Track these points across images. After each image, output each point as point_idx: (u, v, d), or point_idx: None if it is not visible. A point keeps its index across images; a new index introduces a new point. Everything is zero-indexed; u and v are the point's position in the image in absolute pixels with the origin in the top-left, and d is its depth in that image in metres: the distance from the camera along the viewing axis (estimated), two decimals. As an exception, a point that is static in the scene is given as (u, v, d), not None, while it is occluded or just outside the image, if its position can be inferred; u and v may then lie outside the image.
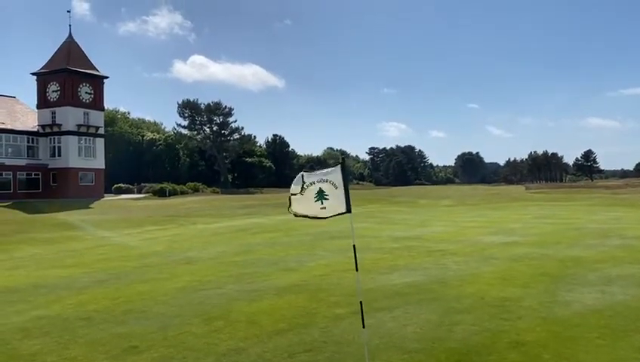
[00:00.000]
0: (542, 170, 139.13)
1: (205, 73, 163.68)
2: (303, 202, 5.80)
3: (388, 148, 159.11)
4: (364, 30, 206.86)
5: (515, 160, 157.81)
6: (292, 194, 5.83)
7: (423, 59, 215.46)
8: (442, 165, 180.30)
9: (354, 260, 6.10)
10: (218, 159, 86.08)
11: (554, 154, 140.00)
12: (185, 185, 65.59)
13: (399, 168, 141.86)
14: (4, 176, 52.41)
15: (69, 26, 62.03)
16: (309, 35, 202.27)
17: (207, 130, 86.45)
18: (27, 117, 56.97)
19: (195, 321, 7.84)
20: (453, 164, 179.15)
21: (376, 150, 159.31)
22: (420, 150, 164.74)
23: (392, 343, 6.55)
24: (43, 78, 56.43)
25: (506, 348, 6.30)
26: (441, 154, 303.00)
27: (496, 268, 11.76)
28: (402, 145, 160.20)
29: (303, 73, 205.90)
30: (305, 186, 5.77)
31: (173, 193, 58.90)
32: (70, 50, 57.43)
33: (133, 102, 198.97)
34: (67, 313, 8.70)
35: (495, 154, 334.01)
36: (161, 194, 57.67)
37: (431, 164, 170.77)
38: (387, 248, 15.52)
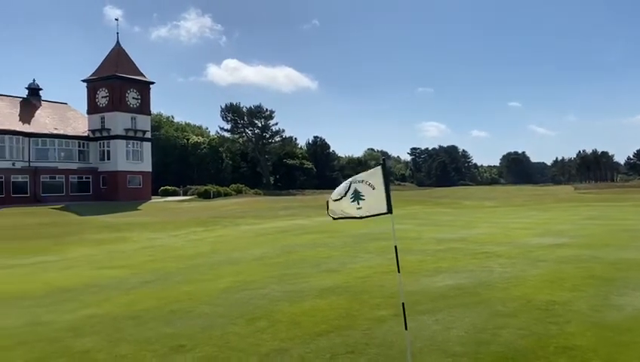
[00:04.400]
0: (591, 169, 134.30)
1: (239, 76, 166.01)
2: (340, 204, 5.82)
3: (430, 148, 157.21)
4: (393, 28, 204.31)
5: (562, 159, 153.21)
6: (334, 200, 5.86)
7: (458, 57, 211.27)
8: (487, 165, 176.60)
9: (396, 261, 6.06)
10: (260, 161, 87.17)
11: (604, 153, 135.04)
12: (228, 187, 66.66)
13: (442, 168, 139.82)
14: (57, 179, 54.66)
15: (117, 33, 64.06)
16: (338, 34, 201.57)
17: (249, 132, 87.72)
18: (78, 122, 59.23)
19: (239, 321, 7.96)
20: (498, 164, 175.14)
21: (418, 150, 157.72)
22: (463, 150, 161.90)
23: (435, 346, 6.47)
24: (93, 84, 58.59)
25: (554, 352, 6.12)
26: (484, 154, 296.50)
27: (543, 270, 11.43)
28: (445, 145, 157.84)
29: (335, 73, 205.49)
30: (346, 193, 5.81)
31: (217, 195, 59.96)
32: (118, 57, 59.41)
33: (171, 107, 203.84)
34: (116, 312, 8.99)
35: (541, 153, 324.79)
36: (205, 196, 58.81)
37: (475, 164, 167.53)
38: (430, 250, 15.32)
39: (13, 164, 50.72)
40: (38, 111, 57.02)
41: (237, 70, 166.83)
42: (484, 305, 8.39)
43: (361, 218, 5.83)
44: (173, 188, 66.84)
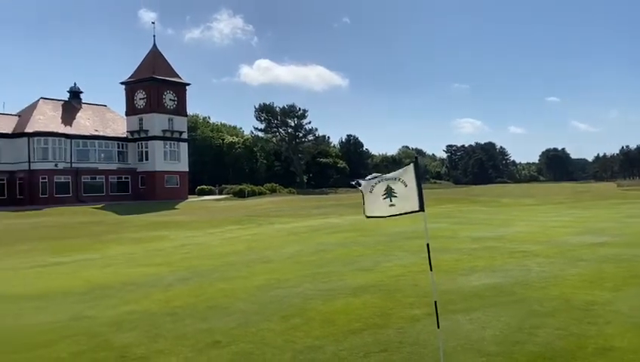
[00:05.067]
0: (635, 165, 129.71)
1: (271, 76, 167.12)
2: (374, 202, 5.82)
3: (467, 145, 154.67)
4: (425, 25, 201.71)
5: (604, 155, 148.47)
6: (361, 190, 5.86)
7: (493, 52, 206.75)
8: (525, 162, 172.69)
9: (428, 260, 6.03)
10: (294, 160, 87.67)
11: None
12: (262, 186, 67.32)
13: (479, 166, 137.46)
14: (97, 179, 56.28)
15: (154, 36, 65.42)
16: (369, 31, 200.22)
17: (283, 132, 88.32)
18: (117, 124, 60.81)
19: (274, 318, 8.05)
20: (537, 161, 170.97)
21: (454, 147, 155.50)
22: (501, 147, 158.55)
23: (469, 345, 6.41)
24: (131, 86, 60.06)
25: (592, 353, 5.97)
26: (522, 151, 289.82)
27: (583, 269, 11.15)
28: (482, 142, 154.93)
29: (367, 71, 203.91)
30: (374, 184, 5.80)
31: (252, 194, 60.62)
32: (155, 59, 60.71)
33: (205, 108, 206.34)
34: (155, 308, 9.21)
35: (582, 149, 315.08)
36: (240, 195, 59.55)
37: (513, 161, 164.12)
38: (466, 249, 15.12)
39: (56, 165, 52.48)
40: (79, 114, 58.80)
41: (269, 70, 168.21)
42: (520, 305, 8.26)
43: (392, 216, 5.82)
44: (209, 187, 67.92)
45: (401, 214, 5.74)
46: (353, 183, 5.95)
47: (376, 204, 5.81)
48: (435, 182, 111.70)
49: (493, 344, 6.42)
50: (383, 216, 5.88)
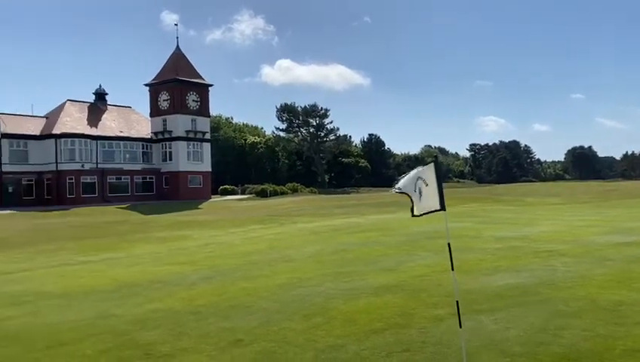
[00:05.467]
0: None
1: (291, 76, 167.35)
2: (422, 200, 5.74)
3: (490, 143, 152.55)
4: (447, 21, 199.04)
5: (632, 153, 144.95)
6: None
7: (516, 48, 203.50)
8: (550, 160, 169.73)
9: (454, 260, 5.98)
10: (315, 160, 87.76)
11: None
12: (284, 185, 67.57)
13: (503, 165, 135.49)
14: (122, 179, 57.20)
15: (177, 38, 66.43)
16: (389, 30, 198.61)
17: (304, 132, 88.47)
18: (141, 125, 61.70)
19: (295, 317, 8.09)
20: (562, 159, 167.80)
21: (477, 146, 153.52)
22: (525, 145, 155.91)
23: (492, 346, 6.34)
24: (154, 88, 60.87)
25: (620, 355, 5.86)
26: (547, 149, 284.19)
27: (610, 269, 10.93)
28: (506, 140, 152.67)
29: (388, 69, 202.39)
30: (414, 183, 5.75)
31: (274, 193, 60.90)
32: (178, 61, 61.42)
33: (227, 108, 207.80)
34: (178, 307, 9.33)
35: (609, 147, 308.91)
36: (262, 194, 59.87)
37: (538, 160, 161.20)
38: (489, 248, 14.96)
39: (83, 166, 53.50)
40: (104, 115, 59.83)
41: (290, 70, 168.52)
42: (545, 305, 8.14)
43: (417, 216, 5.78)
44: (231, 187, 68.43)
45: (424, 214, 5.71)
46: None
47: (417, 203, 5.73)
48: (458, 181, 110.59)
49: (517, 344, 6.34)
50: (419, 215, 5.80)
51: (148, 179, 59.47)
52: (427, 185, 5.64)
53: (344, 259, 14.20)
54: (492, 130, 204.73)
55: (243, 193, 65.27)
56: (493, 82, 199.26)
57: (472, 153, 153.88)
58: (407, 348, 6.45)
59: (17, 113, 55.97)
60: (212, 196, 60.99)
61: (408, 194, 5.73)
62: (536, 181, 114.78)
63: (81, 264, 16.70)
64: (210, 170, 62.50)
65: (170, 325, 8.07)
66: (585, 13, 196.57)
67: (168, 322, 8.26)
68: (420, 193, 5.69)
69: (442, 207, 5.59)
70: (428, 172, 5.67)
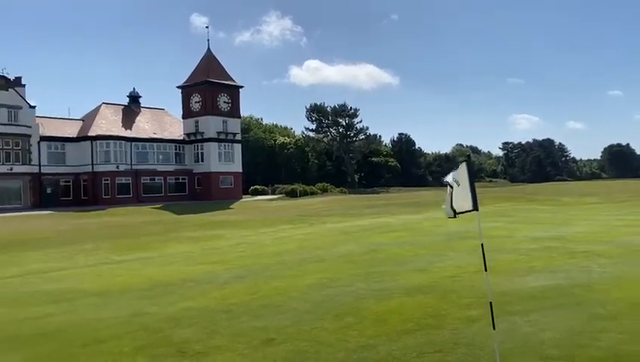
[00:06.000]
0: None
1: (320, 76, 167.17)
2: (457, 200, 5.72)
3: (524, 142, 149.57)
4: (476, 17, 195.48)
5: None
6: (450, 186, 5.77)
7: (549, 44, 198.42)
8: (586, 159, 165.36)
9: (483, 261, 5.92)
10: (345, 160, 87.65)
11: None
12: (314, 185, 67.70)
13: (537, 163, 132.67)
14: (156, 180, 58.30)
15: (207, 40, 67.28)
16: (418, 28, 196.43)
17: (334, 132, 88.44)
18: (174, 127, 62.76)
19: (327, 317, 8.12)
20: (599, 158, 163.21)
21: (510, 145, 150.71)
22: (560, 143, 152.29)
23: (527, 348, 6.24)
24: (187, 90, 61.82)
25: (661, 359, 5.69)
26: (583, 147, 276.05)
27: (650, 271, 10.61)
28: (540, 139, 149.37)
29: (417, 68, 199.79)
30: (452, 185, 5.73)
31: (304, 193, 61.09)
32: (209, 63, 62.24)
33: (257, 109, 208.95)
34: (211, 305, 9.48)
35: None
36: (292, 194, 60.13)
37: (573, 158, 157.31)
38: (523, 249, 14.70)
39: (117, 167, 54.75)
40: (138, 118, 61.08)
41: (318, 70, 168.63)
42: (581, 307, 7.96)
43: (450, 216, 5.74)
44: (262, 187, 68.95)
45: (455, 215, 5.66)
46: (445, 182, 5.84)
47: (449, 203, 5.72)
48: (490, 181, 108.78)
49: (553, 347, 6.22)
50: (452, 216, 5.77)
51: (180, 180, 60.44)
52: (459, 185, 5.59)
53: (375, 259, 14.17)
54: (525, 128, 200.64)
55: (273, 193, 65.69)
56: (526, 80, 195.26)
57: (505, 152, 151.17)
58: (439, 349, 6.41)
59: (55, 116, 57.67)
60: (243, 196, 61.57)
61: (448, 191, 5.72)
62: (572, 180, 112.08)
63: (117, 263, 17.12)
64: (240, 170, 63.14)
65: (203, 323, 8.20)
66: (623, 7, 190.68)
67: (201, 320, 8.40)
68: (451, 194, 5.65)
69: (475, 207, 5.53)
70: (460, 172, 5.62)
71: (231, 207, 48.01)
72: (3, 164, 49.44)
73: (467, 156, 5.90)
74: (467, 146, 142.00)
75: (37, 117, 52.76)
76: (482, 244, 5.90)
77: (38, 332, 8.32)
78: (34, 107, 52.19)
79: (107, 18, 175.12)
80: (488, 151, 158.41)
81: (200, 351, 6.85)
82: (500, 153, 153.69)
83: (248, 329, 7.72)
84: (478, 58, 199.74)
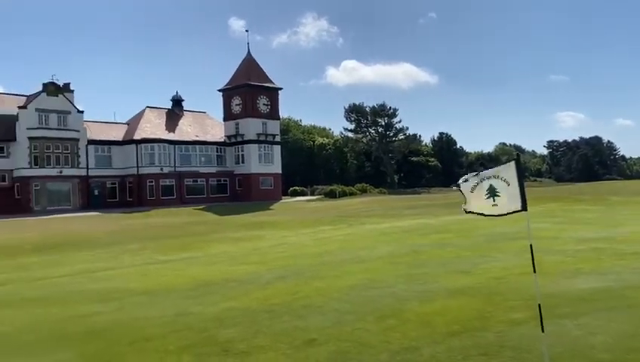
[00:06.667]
0: None
1: (357, 76, 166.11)
2: (475, 199, 5.65)
3: (570, 140, 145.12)
4: (516, 14, 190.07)
5: None
6: (461, 191, 5.71)
7: (594, 39, 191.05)
8: (637, 157, 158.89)
9: (531, 262, 5.76)
10: (384, 160, 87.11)
11: None
12: (353, 186, 67.57)
13: (584, 162, 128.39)
14: (198, 182, 59.49)
15: (247, 44, 67.99)
16: (456, 25, 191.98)
17: (373, 132, 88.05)
18: (215, 129, 63.88)
19: (368, 318, 8.07)
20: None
21: (555, 143, 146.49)
22: (608, 141, 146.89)
23: (577, 352, 6.03)
24: (227, 93, 62.82)
25: None
26: (633, 145, 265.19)
27: None
28: (587, 137, 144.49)
29: (456, 66, 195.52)
30: (476, 183, 5.63)
31: (343, 194, 61.05)
32: (249, 66, 63.05)
33: (294, 111, 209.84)
34: (254, 305, 9.57)
35: None
36: (331, 195, 60.18)
37: (623, 156, 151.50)
38: (571, 250, 14.24)
39: (162, 169, 56.15)
40: (181, 121, 62.46)
41: (355, 70, 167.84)
42: (633, 310, 7.65)
43: (497, 216, 5.62)
44: (301, 188, 69.34)
45: (503, 215, 5.54)
46: (455, 187, 5.82)
47: (478, 202, 5.63)
48: (535, 180, 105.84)
49: (604, 351, 6.00)
50: (484, 214, 5.68)
51: (222, 181, 61.44)
52: (509, 184, 5.46)
53: (417, 261, 14.01)
54: (570, 126, 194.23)
55: (312, 194, 65.94)
56: (570, 76, 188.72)
57: (550, 150, 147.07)
58: (485, 351, 6.28)
59: (101, 120, 59.62)
60: (282, 197, 62.07)
61: (463, 193, 5.63)
62: (621, 179, 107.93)
63: (162, 263, 17.54)
64: (280, 171, 63.68)
65: (246, 323, 8.30)
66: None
67: (244, 320, 8.50)
68: (496, 194, 5.52)
69: (524, 208, 5.39)
70: (509, 171, 5.50)
71: (271, 207, 48.45)
72: (53, 167, 51.43)
73: (516, 155, 5.75)
74: (511, 145, 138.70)
75: (85, 121, 54.65)
76: (531, 245, 5.75)
77: (88, 330, 8.59)
78: (82, 112, 54.10)
79: (149, 25, 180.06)
80: (532, 150, 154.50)
81: (244, 350, 6.93)
82: (545, 152, 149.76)
83: (290, 329, 7.76)
84: (519, 55, 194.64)
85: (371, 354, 6.43)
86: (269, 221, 33.09)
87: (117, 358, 7.00)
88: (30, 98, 52.30)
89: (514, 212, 5.48)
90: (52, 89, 51.92)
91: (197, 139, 60.59)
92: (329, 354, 6.58)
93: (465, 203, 5.73)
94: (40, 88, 52.04)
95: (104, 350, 7.41)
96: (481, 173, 5.71)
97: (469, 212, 5.75)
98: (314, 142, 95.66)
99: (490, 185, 5.56)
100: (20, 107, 50.63)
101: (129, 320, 9.11)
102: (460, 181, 5.77)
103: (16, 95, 54.63)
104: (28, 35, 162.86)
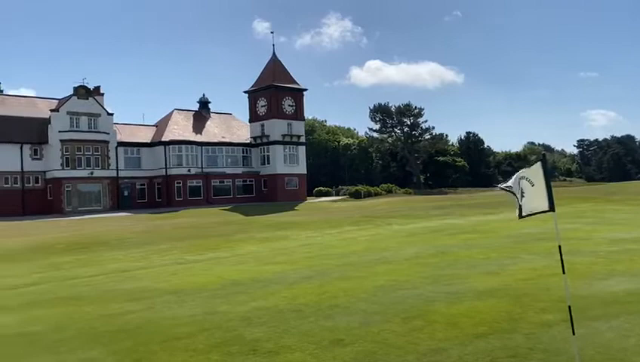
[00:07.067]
0: None
1: (381, 76, 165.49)
2: (526, 202, 5.57)
3: (600, 139, 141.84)
4: (544, 10, 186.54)
5: None
6: (512, 192, 5.62)
7: (624, 34, 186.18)
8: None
9: (561, 263, 5.68)
10: (410, 160, 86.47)
11: None
12: (378, 186, 67.29)
13: (616, 161, 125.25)
14: (225, 183, 60.05)
15: (273, 45, 68.43)
16: (482, 23, 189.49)
17: (398, 132, 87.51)
18: (241, 130, 64.42)
19: (395, 319, 8.06)
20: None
21: (586, 142, 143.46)
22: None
23: (609, 355, 5.92)
24: (253, 95, 63.29)
25: None
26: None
27: None
28: (618, 135, 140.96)
29: (483, 64, 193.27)
30: (517, 186, 5.57)
31: (368, 195, 60.86)
32: (274, 67, 63.40)
33: (319, 111, 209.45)
34: (281, 305, 9.65)
35: None
36: (356, 196, 60.04)
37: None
38: (602, 251, 13.95)
39: (189, 170, 56.89)
40: (207, 122, 63.18)
41: (379, 70, 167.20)
42: (670, 314, 7.46)
43: (522, 217, 5.56)
44: (326, 188, 69.36)
45: (530, 215, 5.48)
46: (500, 187, 5.74)
47: (525, 204, 5.56)
48: (564, 180, 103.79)
49: (638, 354, 5.88)
50: (537, 213, 5.60)
51: (248, 182, 61.92)
52: (533, 185, 5.40)
53: (444, 262, 13.90)
54: (601, 124, 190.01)
55: (337, 194, 65.90)
56: (600, 73, 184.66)
57: (580, 149, 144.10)
58: (514, 354, 6.21)
59: (131, 123, 60.70)
60: (307, 197, 62.20)
61: (514, 193, 5.55)
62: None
63: (191, 263, 17.78)
64: (305, 172, 63.85)
65: (273, 322, 8.37)
66: None
67: (271, 319, 8.57)
68: (523, 194, 5.47)
69: (551, 208, 5.32)
70: (535, 171, 5.43)
71: (296, 208, 48.61)
72: (84, 168, 52.57)
73: (542, 155, 5.68)
74: (539, 144, 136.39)
75: (114, 124, 55.73)
76: (560, 246, 5.67)
77: (120, 328, 8.78)
78: (112, 114, 55.15)
79: (176, 29, 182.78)
80: (562, 149, 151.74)
81: (271, 349, 7.00)
82: (575, 151, 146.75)
83: (317, 329, 7.80)
84: (547, 52, 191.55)
85: (398, 356, 6.43)
86: (294, 221, 33.21)
87: (148, 356, 7.14)
88: (62, 101, 53.58)
89: (540, 212, 5.41)
90: (82, 92, 53.07)
91: (223, 140, 61.19)
92: (356, 354, 6.60)
93: (517, 209, 5.63)
94: (71, 92, 53.28)
95: (135, 348, 7.56)
96: (515, 175, 5.65)
97: (524, 216, 5.62)
98: (339, 142, 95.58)
99: (522, 186, 5.51)
100: (52, 110, 51.90)
101: (159, 319, 9.28)
102: (502, 185, 5.69)
103: (49, 99, 56.00)
104: (59, 39, 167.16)
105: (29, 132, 50.99)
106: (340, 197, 62.06)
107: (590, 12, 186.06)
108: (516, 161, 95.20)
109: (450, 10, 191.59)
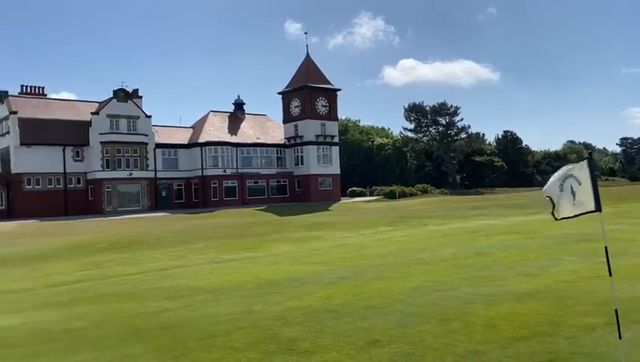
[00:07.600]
0: None
1: (414, 75, 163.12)
2: (564, 203, 5.43)
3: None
4: (581, 4, 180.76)
5: None
6: (547, 197, 5.51)
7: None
8: None
9: (606, 265, 5.50)
10: (445, 160, 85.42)
11: None
12: (413, 186, 66.68)
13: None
14: (259, 183, 60.62)
15: (307, 46, 69.08)
16: (518, 19, 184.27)
17: (434, 131, 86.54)
18: (275, 131, 64.90)
19: (432, 321, 7.96)
20: None
21: (629, 140, 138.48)
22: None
23: (658, 362, 5.70)
24: (287, 96, 63.69)
25: None
26: None
27: None
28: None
29: (519, 62, 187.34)
30: (561, 183, 5.43)
31: (403, 195, 60.37)
32: (308, 68, 63.64)
33: (352, 111, 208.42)
34: (316, 305, 9.66)
35: None
36: (391, 196, 59.66)
37: None
38: (648, 253, 13.45)
39: (225, 171, 57.66)
40: (242, 124, 63.89)
41: (413, 69, 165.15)
42: None
43: (569, 218, 5.41)
44: (360, 189, 69.16)
45: (576, 215, 5.32)
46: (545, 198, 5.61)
47: (568, 205, 5.42)
48: (607, 179, 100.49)
49: (689, 362, 5.64)
50: (569, 217, 5.47)
51: (282, 182, 62.32)
52: (580, 184, 5.25)
53: (481, 263, 13.67)
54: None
55: (371, 195, 65.61)
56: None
57: (623, 148, 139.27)
58: (554, 357, 6.05)
59: (168, 125, 61.96)
60: (341, 198, 62.17)
61: (551, 198, 5.41)
62: None
63: (227, 262, 18.02)
64: (339, 172, 63.84)
65: (309, 322, 8.39)
66: None
67: (307, 319, 8.59)
68: (573, 193, 5.31)
69: (598, 208, 5.16)
70: (581, 170, 5.28)
71: (330, 208, 48.64)
72: (123, 169, 53.92)
73: (589, 154, 5.51)
74: (580, 143, 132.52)
75: (152, 126, 56.97)
76: (606, 248, 5.49)
77: (158, 326, 8.97)
78: (150, 117, 56.39)
79: (210, 33, 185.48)
80: (604, 148, 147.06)
81: (308, 349, 7.01)
82: (618, 149, 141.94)
83: (353, 329, 7.78)
84: (586, 48, 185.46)
85: (435, 357, 6.35)
86: (328, 221, 33.23)
87: (186, 353, 7.26)
88: (102, 104, 55.11)
89: (587, 213, 5.26)
90: (122, 95, 54.47)
91: (258, 141, 61.77)
92: (393, 355, 6.55)
93: (554, 209, 5.50)
94: (110, 95, 54.74)
95: (174, 345, 7.70)
96: (556, 173, 5.49)
97: (562, 218, 5.50)
98: (372, 142, 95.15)
99: (570, 184, 5.36)
100: (92, 113, 53.44)
101: (197, 317, 9.43)
102: (546, 195, 5.57)
103: (89, 102, 57.69)
104: (98, 45, 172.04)
105: (71, 134, 52.66)
106: (374, 198, 61.77)
107: (632, 5, 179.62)
108: (555, 160, 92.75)
109: (484, 7, 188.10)
